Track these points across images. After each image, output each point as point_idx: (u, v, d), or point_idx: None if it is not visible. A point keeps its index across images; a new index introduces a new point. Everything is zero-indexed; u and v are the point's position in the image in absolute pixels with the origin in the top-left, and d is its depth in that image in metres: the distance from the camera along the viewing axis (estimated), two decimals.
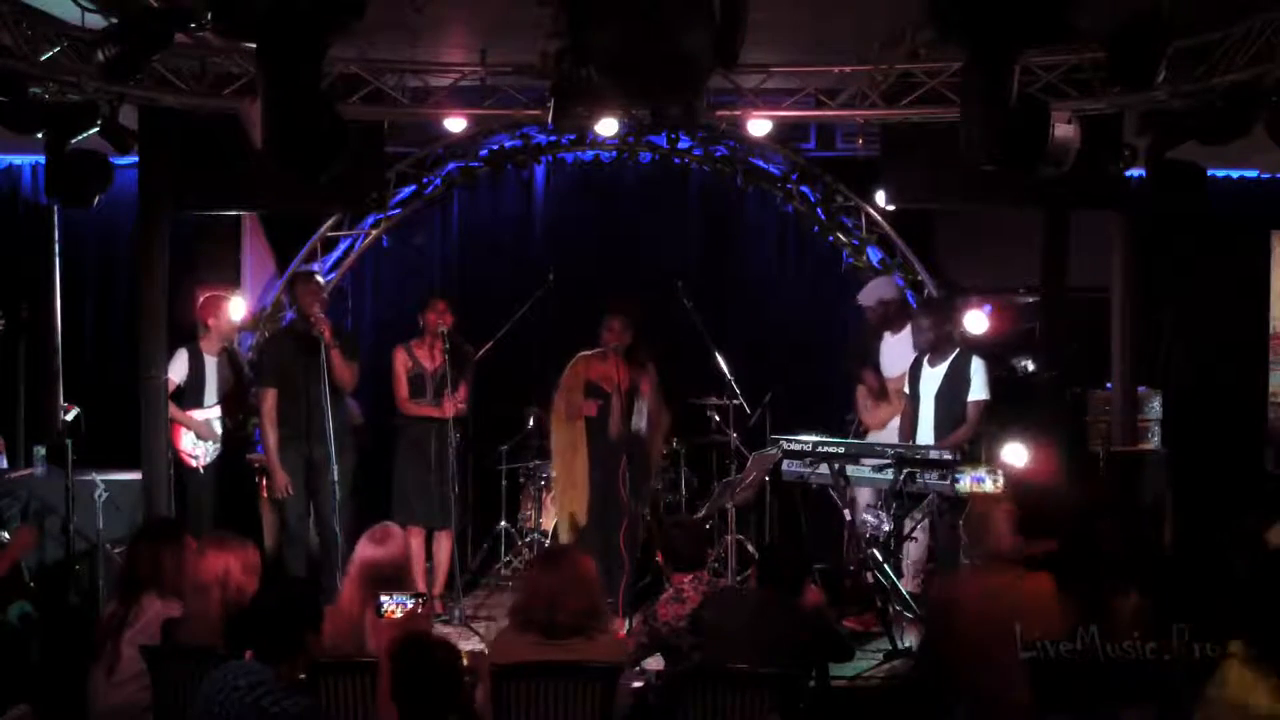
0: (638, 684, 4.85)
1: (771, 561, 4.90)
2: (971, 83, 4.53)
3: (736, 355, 7.69)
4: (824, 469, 6.72)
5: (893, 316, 7.58)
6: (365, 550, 4.63)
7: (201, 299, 7.49)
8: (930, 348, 6.92)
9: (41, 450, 7.19)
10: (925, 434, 6.87)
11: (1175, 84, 6.19)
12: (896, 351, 7.53)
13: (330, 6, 4.08)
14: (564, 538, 7.34)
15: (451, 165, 8.57)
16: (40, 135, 6.09)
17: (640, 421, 6.99)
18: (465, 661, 4.73)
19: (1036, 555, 4.79)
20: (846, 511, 6.77)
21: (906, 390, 7.09)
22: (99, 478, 6.84)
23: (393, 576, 4.54)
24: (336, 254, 8.62)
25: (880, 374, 7.59)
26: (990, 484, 5.51)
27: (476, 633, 6.61)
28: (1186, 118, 6.34)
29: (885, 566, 6.52)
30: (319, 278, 7.39)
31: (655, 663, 5.13)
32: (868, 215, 8.62)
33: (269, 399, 6.84)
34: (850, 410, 7.82)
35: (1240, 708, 2.93)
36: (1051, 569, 4.58)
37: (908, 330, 7.49)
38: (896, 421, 7.34)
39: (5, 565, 5.55)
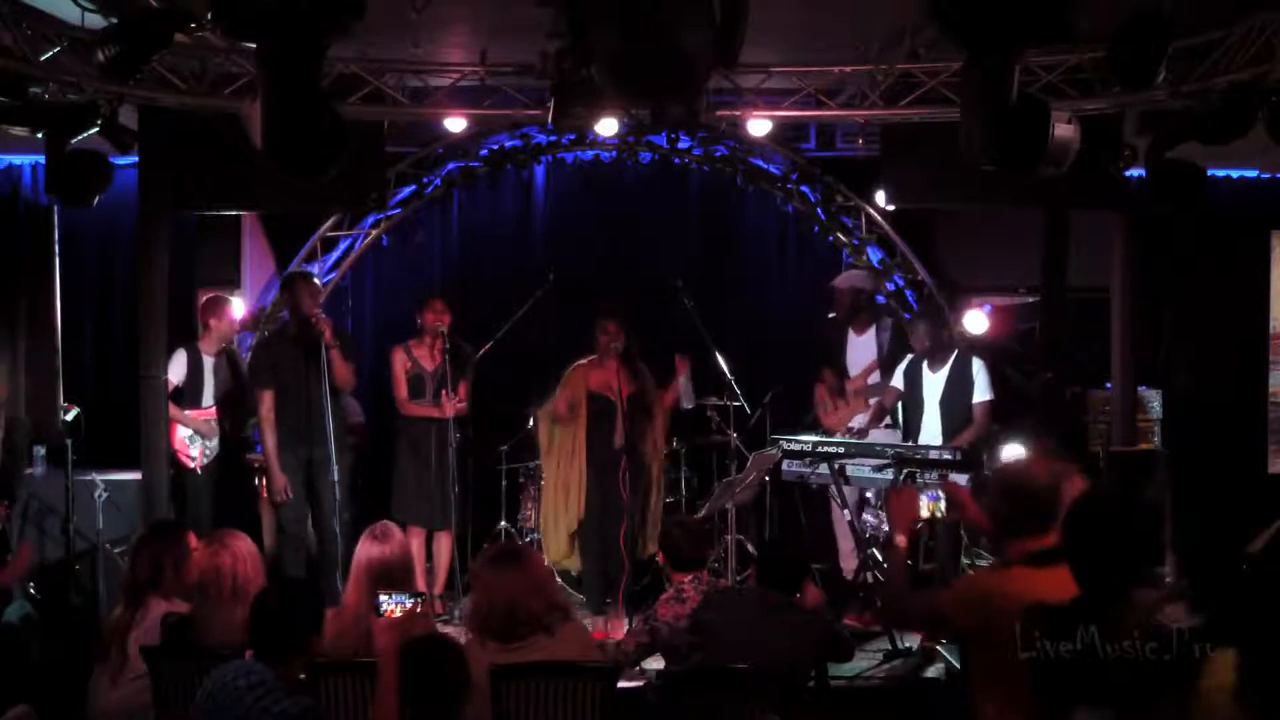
0: (638, 684, 4.84)
1: (771, 561, 4.89)
2: (971, 83, 4.53)
3: (736, 355, 7.70)
4: (824, 469, 6.72)
5: (861, 309, 7.59)
6: (370, 549, 4.58)
7: (203, 300, 7.50)
8: (929, 354, 6.93)
9: (41, 450, 7.19)
10: (930, 439, 6.86)
11: (1175, 84, 6.19)
12: (859, 352, 7.55)
13: (330, 6, 4.08)
14: (549, 539, 7.28)
15: (451, 165, 8.57)
16: (40, 135, 6.09)
17: (688, 401, 7.18)
18: None
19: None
20: (846, 512, 6.77)
21: (902, 390, 7.09)
22: (99, 478, 6.85)
23: (399, 572, 4.52)
24: (336, 254, 8.62)
25: (840, 374, 7.59)
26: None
27: None
28: (1186, 118, 6.34)
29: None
30: (315, 279, 7.39)
31: (655, 663, 5.13)
32: (868, 215, 8.63)
33: (266, 401, 6.82)
34: (809, 409, 7.82)
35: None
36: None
37: (871, 332, 7.53)
38: (856, 421, 7.35)
39: (9, 578, 5.59)
